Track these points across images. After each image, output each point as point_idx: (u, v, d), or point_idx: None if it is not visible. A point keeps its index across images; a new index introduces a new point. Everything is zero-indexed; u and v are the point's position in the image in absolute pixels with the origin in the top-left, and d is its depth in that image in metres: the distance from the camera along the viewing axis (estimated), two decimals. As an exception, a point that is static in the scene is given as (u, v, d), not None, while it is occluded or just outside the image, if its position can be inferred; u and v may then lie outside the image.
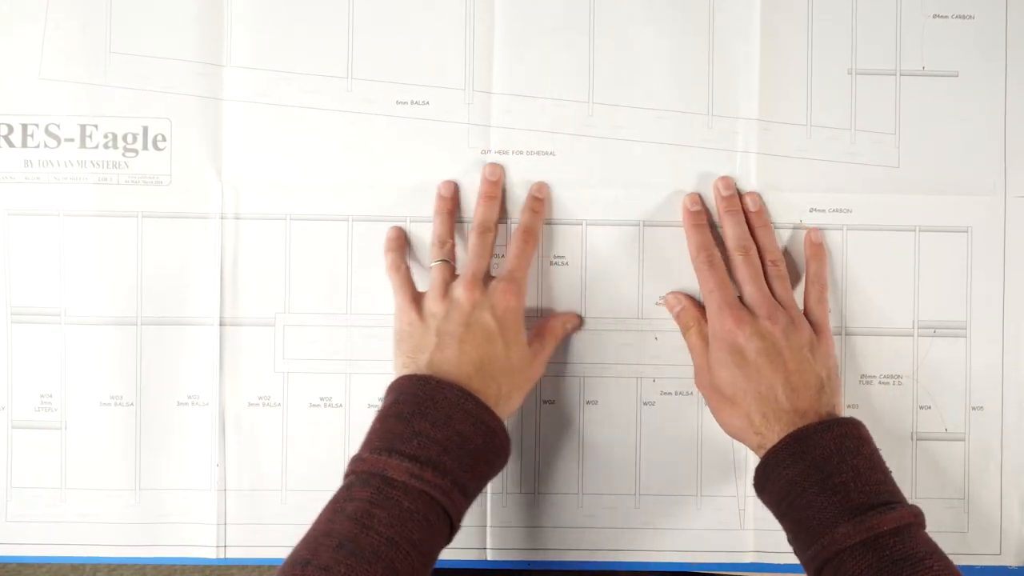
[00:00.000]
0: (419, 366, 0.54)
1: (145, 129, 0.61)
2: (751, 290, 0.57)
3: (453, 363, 0.53)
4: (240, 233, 0.61)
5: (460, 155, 0.61)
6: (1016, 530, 0.61)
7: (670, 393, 0.61)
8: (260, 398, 0.61)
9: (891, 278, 0.61)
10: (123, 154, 0.61)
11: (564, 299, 0.61)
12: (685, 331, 0.60)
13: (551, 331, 0.59)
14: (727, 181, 0.60)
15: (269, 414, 0.61)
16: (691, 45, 0.61)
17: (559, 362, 0.61)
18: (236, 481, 0.61)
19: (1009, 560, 0.61)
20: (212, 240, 0.61)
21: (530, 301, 0.61)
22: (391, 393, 0.53)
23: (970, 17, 0.61)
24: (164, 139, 0.61)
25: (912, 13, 0.61)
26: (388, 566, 0.46)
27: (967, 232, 0.61)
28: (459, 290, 0.55)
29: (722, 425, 0.58)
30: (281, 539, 0.61)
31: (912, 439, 0.61)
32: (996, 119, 0.61)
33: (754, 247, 0.59)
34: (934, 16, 0.61)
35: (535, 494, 0.61)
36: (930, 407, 0.61)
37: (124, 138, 0.61)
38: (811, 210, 0.61)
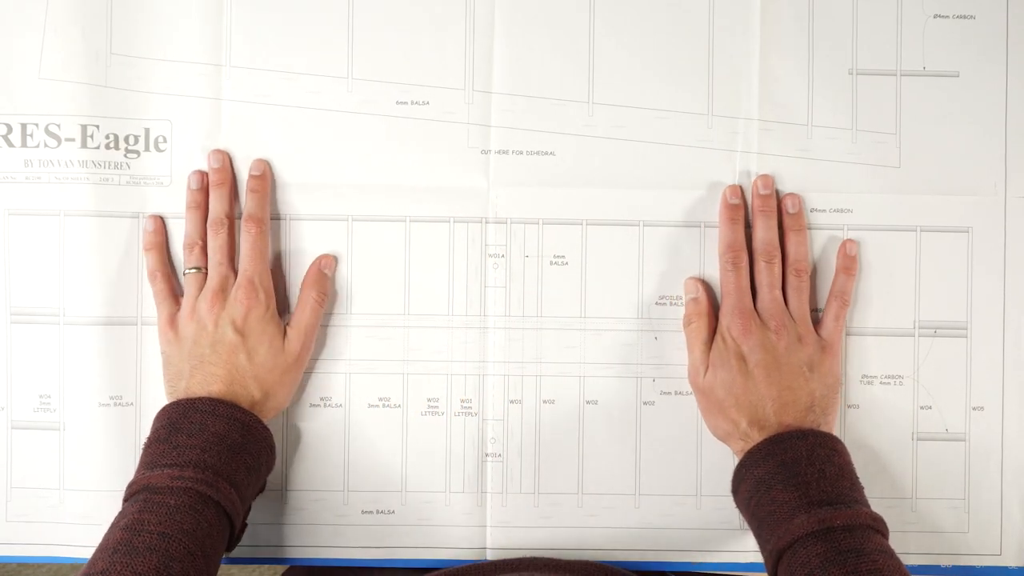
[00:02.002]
0: (179, 393, 0.57)
1: (147, 131, 0.61)
2: (766, 299, 0.58)
3: (204, 385, 0.56)
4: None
5: (460, 155, 0.61)
6: (1017, 530, 0.61)
7: (670, 393, 0.61)
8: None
9: (892, 278, 0.61)
10: (125, 155, 0.61)
11: (564, 299, 0.61)
12: (687, 323, 0.60)
13: (301, 304, 0.59)
14: (767, 180, 0.60)
15: (269, 414, 0.61)
16: (691, 45, 0.61)
17: (559, 362, 0.61)
18: (236, 481, 0.61)
19: (1009, 560, 0.61)
20: (212, 240, 0.61)
21: (529, 304, 0.61)
22: (152, 425, 0.56)
23: (971, 17, 0.61)
24: (165, 140, 0.61)
25: (913, 13, 0.61)
26: (163, 555, 0.48)
27: (968, 232, 0.61)
28: (203, 308, 0.58)
29: (710, 427, 0.59)
30: (281, 538, 0.61)
31: (913, 439, 0.61)
32: (997, 119, 0.61)
33: (779, 255, 0.59)
34: (935, 16, 0.61)
35: (535, 494, 0.61)
36: (931, 407, 0.61)
37: (126, 139, 0.61)
38: (811, 210, 0.61)
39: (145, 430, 0.60)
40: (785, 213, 0.60)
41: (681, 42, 0.61)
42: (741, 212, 0.60)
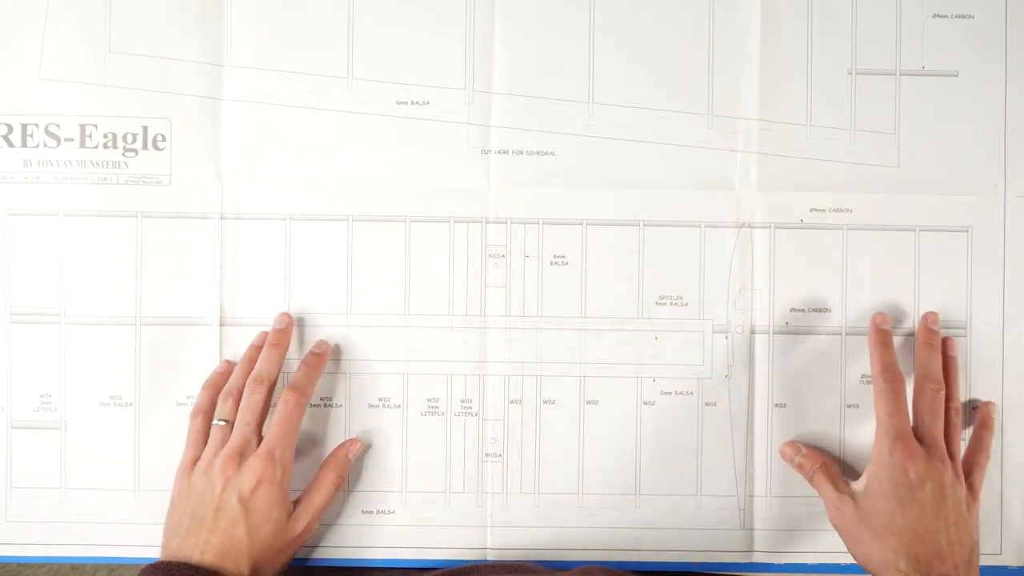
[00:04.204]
0: (171, 551, 0.54)
1: (145, 129, 0.61)
2: (929, 427, 0.56)
3: (197, 552, 0.54)
4: (240, 233, 0.61)
5: (460, 155, 0.61)
6: (1017, 530, 0.61)
7: (670, 393, 0.61)
8: (260, 398, 0.61)
9: (891, 278, 0.61)
10: (123, 154, 0.61)
11: (564, 299, 0.61)
12: (810, 476, 0.58)
13: (318, 484, 0.58)
14: (934, 316, 0.60)
15: (269, 414, 0.61)
16: (691, 45, 0.61)
17: (559, 362, 0.61)
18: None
19: (1009, 560, 0.61)
20: (212, 240, 0.61)
21: (529, 304, 0.61)
22: None
23: (970, 17, 0.61)
24: (164, 139, 0.61)
25: (912, 13, 0.61)
26: None
27: (967, 232, 0.61)
28: (217, 467, 0.55)
29: (858, 556, 0.56)
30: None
31: (912, 439, 0.61)
32: (996, 119, 0.61)
33: (944, 387, 0.58)
34: (934, 16, 0.61)
35: (535, 494, 0.61)
36: (930, 407, 0.61)
37: (124, 138, 0.61)
38: (811, 210, 0.61)
39: (145, 430, 0.61)
40: (945, 355, 0.60)
41: (681, 42, 0.61)
42: (891, 336, 0.59)
